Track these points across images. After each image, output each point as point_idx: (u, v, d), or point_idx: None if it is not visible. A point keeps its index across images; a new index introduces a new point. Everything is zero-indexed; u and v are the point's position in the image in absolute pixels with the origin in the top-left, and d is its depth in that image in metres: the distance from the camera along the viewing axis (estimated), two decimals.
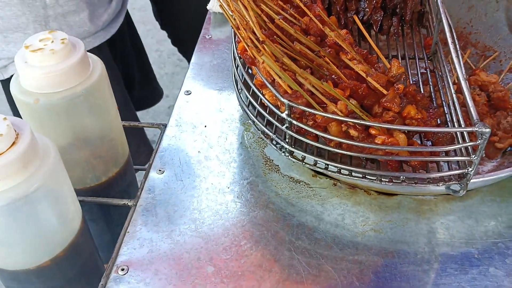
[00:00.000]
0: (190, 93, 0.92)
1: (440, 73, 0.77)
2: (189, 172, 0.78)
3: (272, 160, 0.80)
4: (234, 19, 0.67)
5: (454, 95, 0.68)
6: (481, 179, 0.65)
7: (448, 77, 0.71)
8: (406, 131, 0.63)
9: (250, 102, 0.71)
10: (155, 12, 1.74)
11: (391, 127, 0.58)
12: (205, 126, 0.86)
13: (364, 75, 0.60)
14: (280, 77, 0.58)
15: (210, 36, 1.07)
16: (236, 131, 0.85)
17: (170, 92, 2.76)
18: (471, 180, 0.62)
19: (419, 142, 0.70)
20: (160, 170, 0.78)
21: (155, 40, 3.17)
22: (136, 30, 1.45)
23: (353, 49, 0.65)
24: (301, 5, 0.66)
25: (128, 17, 1.35)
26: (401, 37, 0.86)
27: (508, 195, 0.72)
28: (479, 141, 0.57)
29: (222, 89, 0.93)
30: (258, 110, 0.69)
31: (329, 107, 0.59)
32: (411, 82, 0.78)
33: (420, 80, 0.78)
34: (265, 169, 0.78)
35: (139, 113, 2.60)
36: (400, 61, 0.81)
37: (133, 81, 1.45)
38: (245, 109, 0.72)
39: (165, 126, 0.86)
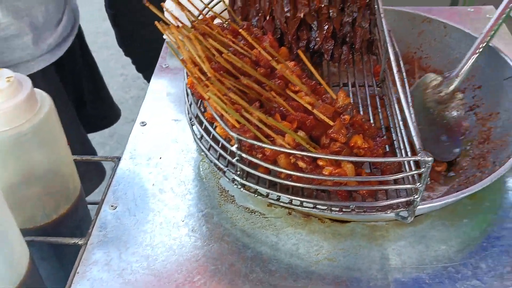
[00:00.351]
0: (145, 124, 0.92)
1: (388, 100, 0.79)
2: (142, 207, 0.77)
3: (228, 191, 0.79)
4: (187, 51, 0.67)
5: (401, 123, 0.69)
6: (428, 205, 0.66)
7: (395, 104, 0.73)
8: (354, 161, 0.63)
9: (202, 135, 0.71)
10: (118, 39, 1.74)
11: (336, 158, 0.59)
12: (160, 158, 0.85)
13: (309, 107, 0.61)
14: (227, 112, 0.58)
15: (166, 65, 1.07)
16: (192, 162, 0.84)
17: (136, 116, 2.74)
18: (418, 207, 0.63)
19: (369, 170, 0.71)
20: (112, 206, 0.77)
21: (120, 65, 3.15)
22: (88, 49, 1.41)
23: (300, 81, 0.66)
24: (249, 38, 0.67)
25: (80, 36, 1.33)
26: (352, 65, 0.88)
27: (458, 218, 0.74)
28: (423, 170, 0.58)
29: (179, 119, 0.93)
30: (210, 143, 0.69)
31: (277, 140, 0.60)
32: (360, 110, 0.80)
33: (369, 107, 0.80)
34: (220, 200, 0.78)
35: (101, 138, 2.56)
36: (350, 88, 0.84)
37: (84, 101, 1.42)
38: (197, 142, 0.72)
39: (119, 159, 0.85)
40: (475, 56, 0.84)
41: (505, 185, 0.79)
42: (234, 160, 0.64)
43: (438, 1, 3.18)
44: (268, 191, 0.66)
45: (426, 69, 1.01)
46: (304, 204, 0.65)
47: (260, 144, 0.60)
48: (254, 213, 0.76)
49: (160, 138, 0.89)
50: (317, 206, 0.65)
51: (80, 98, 1.38)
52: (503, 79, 0.86)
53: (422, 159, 0.57)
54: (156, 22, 0.65)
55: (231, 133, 0.60)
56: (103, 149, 2.53)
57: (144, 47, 1.58)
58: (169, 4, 0.97)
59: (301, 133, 0.64)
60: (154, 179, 0.81)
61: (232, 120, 0.59)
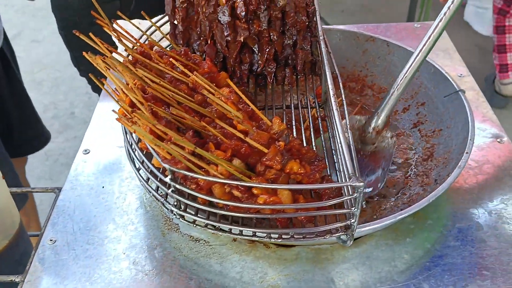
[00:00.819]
0: (88, 152, 0.89)
1: (330, 122, 0.79)
2: (82, 240, 0.74)
3: (172, 219, 0.78)
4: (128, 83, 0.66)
5: (338, 145, 0.69)
6: (365, 228, 0.66)
7: (335, 126, 0.73)
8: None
9: (139, 165, 0.70)
10: (72, 60, 1.71)
11: (266, 186, 0.58)
12: (103, 187, 0.83)
13: (241, 136, 0.60)
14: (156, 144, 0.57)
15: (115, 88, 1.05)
16: (136, 190, 0.83)
17: None
18: (357, 230, 0.63)
19: (310, 195, 0.70)
20: (51, 240, 0.74)
21: (84, 83, 3.10)
22: (16, 74, 1.38)
23: (236, 107, 0.66)
24: (182, 67, 0.66)
25: (4, 59, 1.29)
26: (296, 87, 0.88)
27: (402, 238, 0.74)
28: (356, 195, 0.58)
29: (123, 146, 0.91)
30: (147, 175, 0.68)
31: (210, 171, 0.59)
32: (303, 132, 0.79)
33: (311, 129, 0.80)
34: (164, 229, 0.76)
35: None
36: (293, 110, 0.83)
37: (11, 127, 1.38)
38: (136, 173, 0.70)
39: (59, 190, 0.82)
40: (397, 93, 0.82)
41: (448, 202, 0.79)
42: (169, 191, 0.63)
43: (396, 16, 3.28)
44: (206, 221, 0.64)
45: (372, 87, 1.03)
46: (244, 232, 0.64)
47: (192, 174, 0.59)
48: (199, 242, 0.75)
49: (104, 166, 0.87)
50: (257, 234, 0.64)
51: (7, 127, 1.34)
52: (443, 96, 0.88)
53: (353, 184, 0.57)
54: (84, 53, 0.63)
55: (163, 164, 0.59)
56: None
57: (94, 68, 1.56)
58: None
59: (236, 161, 0.63)
60: (96, 210, 0.79)
61: (162, 151, 0.58)
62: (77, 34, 0.66)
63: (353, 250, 0.73)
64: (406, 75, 0.80)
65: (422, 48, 0.78)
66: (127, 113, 0.60)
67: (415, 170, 0.86)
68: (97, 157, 0.88)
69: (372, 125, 0.85)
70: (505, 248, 0.72)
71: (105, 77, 0.66)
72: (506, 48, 2.43)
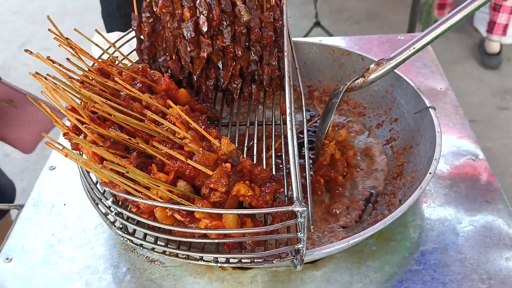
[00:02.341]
0: (54, 168, 0.89)
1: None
2: (38, 259, 0.74)
3: None
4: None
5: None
6: (317, 252, 0.64)
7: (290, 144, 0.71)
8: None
9: (92, 187, 0.68)
10: None
11: (204, 210, 0.57)
12: (64, 205, 0.82)
13: (182, 158, 0.58)
14: (90, 168, 0.56)
15: None
16: None
17: None
18: (308, 254, 0.61)
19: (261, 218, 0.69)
20: (7, 258, 0.74)
21: None
22: None
23: (184, 128, 0.64)
24: (133, 92, 0.65)
25: None
26: (262, 103, 0.86)
27: (362, 260, 0.72)
28: (299, 219, 0.56)
29: None
30: (100, 198, 0.66)
31: (150, 194, 0.58)
32: (269, 151, 0.77)
33: (273, 148, 0.78)
34: (121, 249, 0.75)
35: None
36: (256, 127, 0.82)
37: None
38: (87, 195, 0.69)
39: (22, 206, 0.82)
40: (388, 67, 0.82)
41: (414, 223, 0.77)
42: (112, 214, 0.61)
43: (402, 23, 3.24)
44: (153, 245, 0.63)
45: (348, 102, 1.00)
46: (191, 256, 0.63)
47: (131, 198, 0.57)
48: (154, 263, 0.73)
49: (68, 183, 0.86)
50: (204, 258, 0.62)
51: None
52: (414, 113, 0.85)
53: (295, 209, 0.55)
54: (29, 72, 0.62)
55: (101, 187, 0.58)
56: None
57: None
58: (96, 37, 0.96)
59: (181, 183, 0.61)
60: (55, 228, 0.78)
61: (98, 174, 0.57)
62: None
63: (311, 272, 0.71)
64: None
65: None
66: (70, 134, 0.59)
67: (384, 189, 0.83)
68: (62, 174, 0.88)
69: (354, 83, 0.86)
70: (469, 273, 0.69)
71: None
72: (500, 8, 2.49)
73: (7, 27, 3.60)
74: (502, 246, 0.72)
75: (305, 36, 2.72)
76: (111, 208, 0.61)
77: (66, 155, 0.55)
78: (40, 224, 0.79)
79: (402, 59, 0.81)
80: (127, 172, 0.54)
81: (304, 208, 0.55)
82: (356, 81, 0.85)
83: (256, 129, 0.81)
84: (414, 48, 0.80)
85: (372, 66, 0.84)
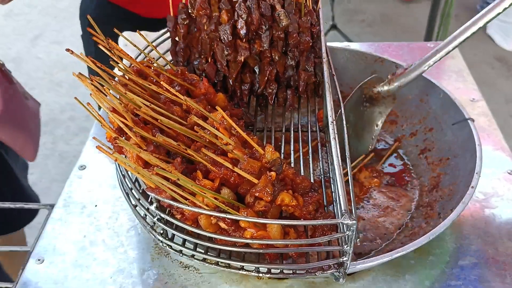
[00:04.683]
0: (84, 168, 0.88)
1: (330, 148, 0.76)
2: (70, 261, 0.73)
3: None
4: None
5: (335, 176, 0.66)
6: (360, 265, 0.63)
7: (332, 157, 0.70)
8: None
9: (131, 189, 0.67)
10: None
11: (253, 220, 0.56)
12: (96, 206, 0.81)
13: (229, 165, 0.57)
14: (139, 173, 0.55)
15: None
16: (129, 210, 0.80)
17: None
18: (351, 267, 0.60)
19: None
20: (39, 260, 0.73)
21: None
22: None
23: (227, 134, 0.63)
24: (173, 91, 0.64)
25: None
26: (297, 109, 0.85)
27: (401, 274, 0.71)
28: (348, 232, 0.55)
29: None
30: (136, 201, 0.65)
31: (196, 201, 0.57)
32: (301, 158, 0.76)
33: (310, 155, 0.77)
34: (154, 253, 0.74)
35: None
36: (292, 133, 0.81)
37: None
38: (125, 198, 0.68)
39: (52, 206, 0.81)
40: (415, 73, 0.84)
41: (452, 237, 0.75)
42: (155, 219, 0.61)
43: (416, 25, 3.22)
44: (193, 252, 0.62)
45: None
46: (232, 264, 0.62)
47: (177, 204, 0.56)
48: (188, 268, 0.72)
49: (98, 184, 0.85)
50: (245, 268, 0.61)
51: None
52: (451, 123, 0.84)
53: (345, 222, 0.54)
54: (73, 73, 0.61)
55: (148, 193, 0.57)
56: None
57: None
58: (121, 42, 0.95)
59: (225, 191, 0.60)
60: (86, 230, 0.77)
61: (145, 180, 0.56)
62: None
63: (349, 285, 0.70)
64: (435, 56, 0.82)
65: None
66: (113, 138, 0.58)
67: (420, 200, 0.82)
68: (93, 174, 0.87)
69: (380, 88, 0.88)
70: None
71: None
72: None
73: (21, 19, 3.59)
74: None
75: None
76: (153, 213, 0.60)
77: (116, 160, 0.54)
78: (71, 225, 0.78)
79: (429, 65, 0.82)
80: (178, 179, 0.52)
81: (354, 222, 0.54)
82: (381, 87, 0.86)
83: (292, 135, 0.80)
84: (439, 54, 0.82)
85: (398, 71, 0.85)
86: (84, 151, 0.91)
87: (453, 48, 0.81)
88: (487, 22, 0.77)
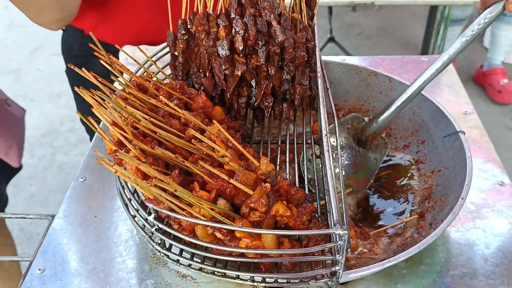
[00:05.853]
0: (85, 180, 0.90)
1: (323, 161, 0.78)
2: (70, 271, 0.74)
3: None
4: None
5: (328, 187, 0.68)
6: (353, 274, 0.64)
7: (328, 166, 0.72)
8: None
9: (130, 199, 0.69)
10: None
11: (248, 230, 0.57)
12: (96, 216, 0.83)
13: (225, 177, 0.59)
14: (138, 185, 0.57)
15: None
16: (127, 221, 0.82)
17: None
18: (343, 276, 0.62)
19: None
20: (40, 269, 0.74)
21: None
22: None
23: (224, 146, 0.65)
24: (172, 104, 0.66)
25: None
26: (293, 122, 0.88)
27: (393, 282, 0.72)
28: (340, 242, 0.57)
29: None
30: (134, 212, 0.67)
31: (193, 211, 0.58)
32: (296, 170, 0.78)
33: (305, 167, 0.79)
34: (152, 263, 0.76)
35: None
36: (288, 145, 0.83)
37: None
38: (124, 209, 0.70)
39: (52, 217, 0.83)
40: (394, 107, 0.86)
41: (443, 247, 0.77)
42: (153, 229, 0.62)
43: (413, 38, 3.27)
44: (190, 262, 0.64)
45: None
46: (227, 273, 0.63)
47: (174, 215, 0.58)
48: (186, 278, 0.74)
49: (99, 195, 0.87)
50: (240, 277, 0.63)
51: None
52: (443, 136, 0.86)
53: (336, 232, 0.56)
54: (75, 87, 0.64)
55: (146, 203, 0.59)
56: None
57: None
58: (125, 49, 0.97)
59: (221, 201, 0.62)
60: (86, 240, 0.79)
61: (145, 191, 0.58)
62: (71, 66, 0.67)
63: None
64: (411, 89, 0.83)
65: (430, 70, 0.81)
66: (113, 151, 0.60)
67: (412, 211, 0.84)
68: (93, 185, 0.89)
69: (369, 131, 0.89)
70: None
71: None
72: None
73: (21, 31, 3.63)
74: None
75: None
76: (150, 223, 0.62)
77: (115, 172, 0.55)
78: (71, 236, 0.80)
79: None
80: (175, 191, 0.54)
81: (346, 232, 0.56)
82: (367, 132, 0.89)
83: (288, 147, 0.82)
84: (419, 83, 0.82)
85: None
86: (84, 163, 0.93)
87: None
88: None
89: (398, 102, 0.85)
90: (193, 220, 0.58)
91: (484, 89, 2.73)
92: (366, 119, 0.92)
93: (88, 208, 0.84)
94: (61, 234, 0.80)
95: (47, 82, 3.12)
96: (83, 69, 0.66)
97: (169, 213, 0.58)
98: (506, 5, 0.72)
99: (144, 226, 0.67)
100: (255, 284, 0.63)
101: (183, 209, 0.58)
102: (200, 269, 0.64)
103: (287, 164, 0.79)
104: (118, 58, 0.77)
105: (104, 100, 0.66)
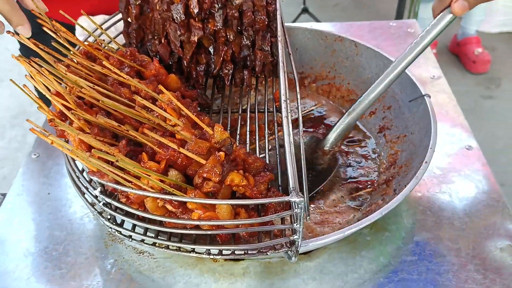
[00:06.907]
0: (38, 156, 0.85)
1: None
2: (21, 251, 0.71)
3: None
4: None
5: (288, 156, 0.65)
6: (312, 243, 0.62)
7: (286, 132, 0.69)
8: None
9: (78, 175, 0.65)
10: None
11: (198, 201, 0.55)
12: (49, 194, 0.79)
13: (175, 146, 0.56)
14: (77, 156, 0.53)
15: None
16: None
17: None
18: (303, 245, 0.60)
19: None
20: None
21: None
22: None
23: (176, 115, 0.62)
24: (120, 73, 0.62)
25: None
26: (254, 89, 0.84)
27: (357, 250, 0.71)
28: (296, 210, 0.55)
29: None
30: (86, 188, 0.63)
31: (140, 183, 0.55)
32: (257, 139, 0.75)
33: (266, 134, 0.76)
34: (108, 240, 0.73)
35: None
36: (249, 114, 0.79)
37: None
38: (73, 185, 0.66)
39: (4, 195, 0.79)
40: (342, 125, 0.84)
41: (408, 213, 0.76)
42: (101, 205, 0.59)
43: (391, 10, 3.23)
44: (142, 237, 0.61)
45: (340, 89, 0.98)
46: (182, 248, 0.61)
47: (120, 187, 0.55)
48: (143, 254, 0.71)
49: (53, 171, 0.83)
50: (196, 250, 0.60)
51: None
52: (408, 101, 0.84)
53: (292, 200, 0.53)
54: (12, 55, 0.59)
55: (90, 176, 0.55)
56: None
57: None
58: (82, 21, 0.92)
59: (173, 172, 0.59)
60: (39, 218, 0.75)
61: (85, 162, 0.54)
62: (9, 34, 0.62)
63: (305, 263, 0.69)
64: (360, 101, 0.81)
65: (380, 80, 0.79)
66: (54, 120, 0.56)
67: (378, 178, 0.82)
68: (47, 162, 0.85)
69: (322, 146, 0.85)
70: (464, 264, 0.68)
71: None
72: None
73: None
74: (496, 236, 0.71)
75: (293, 22, 2.69)
76: (99, 198, 0.58)
77: (52, 143, 0.52)
78: (24, 214, 0.76)
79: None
80: (117, 161, 0.51)
81: (301, 199, 0.53)
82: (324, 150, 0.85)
83: (248, 116, 0.79)
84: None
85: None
86: (37, 139, 0.89)
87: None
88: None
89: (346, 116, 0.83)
90: (140, 192, 0.55)
91: (459, 58, 2.72)
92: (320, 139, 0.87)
93: (41, 186, 0.80)
94: (12, 213, 0.76)
95: (16, 62, 3.01)
96: (21, 36, 0.61)
97: (114, 185, 0.55)
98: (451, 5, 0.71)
99: (94, 203, 0.64)
100: (211, 257, 0.60)
101: (130, 181, 0.55)
102: (154, 244, 0.61)
103: (247, 133, 0.76)
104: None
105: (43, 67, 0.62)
